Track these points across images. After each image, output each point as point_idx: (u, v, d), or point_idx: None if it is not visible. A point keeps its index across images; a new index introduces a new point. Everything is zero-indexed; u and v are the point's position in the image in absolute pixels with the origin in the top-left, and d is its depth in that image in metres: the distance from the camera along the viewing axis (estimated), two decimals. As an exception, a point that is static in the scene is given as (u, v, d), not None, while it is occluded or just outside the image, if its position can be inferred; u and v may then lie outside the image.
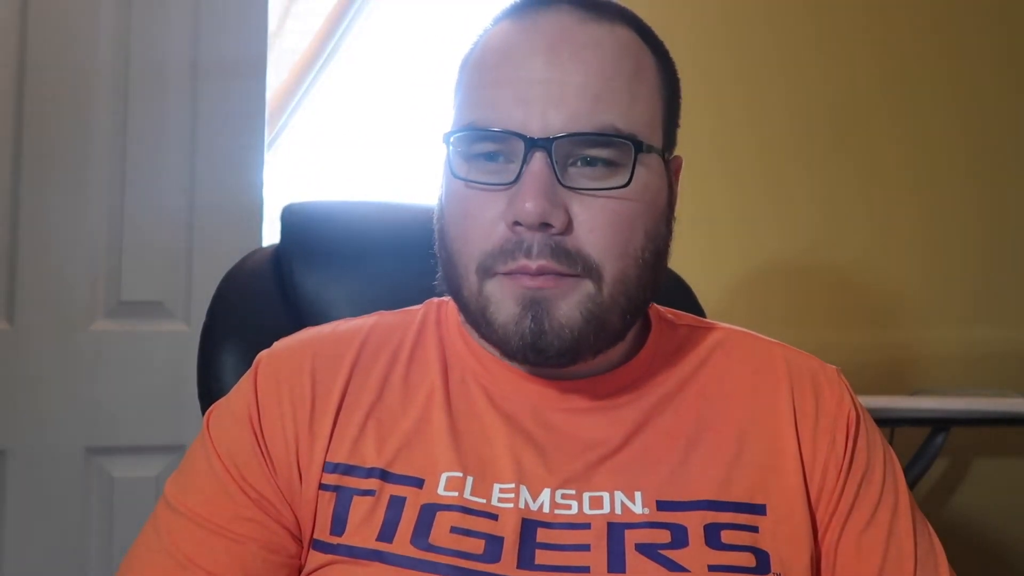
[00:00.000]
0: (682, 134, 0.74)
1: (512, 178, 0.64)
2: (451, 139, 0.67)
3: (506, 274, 0.64)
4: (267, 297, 0.98)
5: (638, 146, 0.65)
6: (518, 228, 0.63)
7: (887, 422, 1.61)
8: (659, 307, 0.80)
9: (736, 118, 1.85)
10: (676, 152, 0.74)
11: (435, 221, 0.72)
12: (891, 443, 1.44)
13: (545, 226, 0.63)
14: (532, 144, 0.63)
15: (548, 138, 0.63)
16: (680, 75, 0.73)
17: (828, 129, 1.90)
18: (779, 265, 1.87)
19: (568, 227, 0.63)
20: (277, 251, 1.02)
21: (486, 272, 0.65)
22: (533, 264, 0.63)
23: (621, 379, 0.72)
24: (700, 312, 1.04)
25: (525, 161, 0.63)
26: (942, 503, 1.94)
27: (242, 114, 1.52)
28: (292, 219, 1.03)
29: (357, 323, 0.77)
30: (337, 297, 0.98)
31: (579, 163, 0.65)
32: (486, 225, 0.65)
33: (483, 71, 0.68)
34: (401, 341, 0.74)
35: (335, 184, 2.16)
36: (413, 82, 2.09)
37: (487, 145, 0.66)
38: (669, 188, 0.71)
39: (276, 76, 2.06)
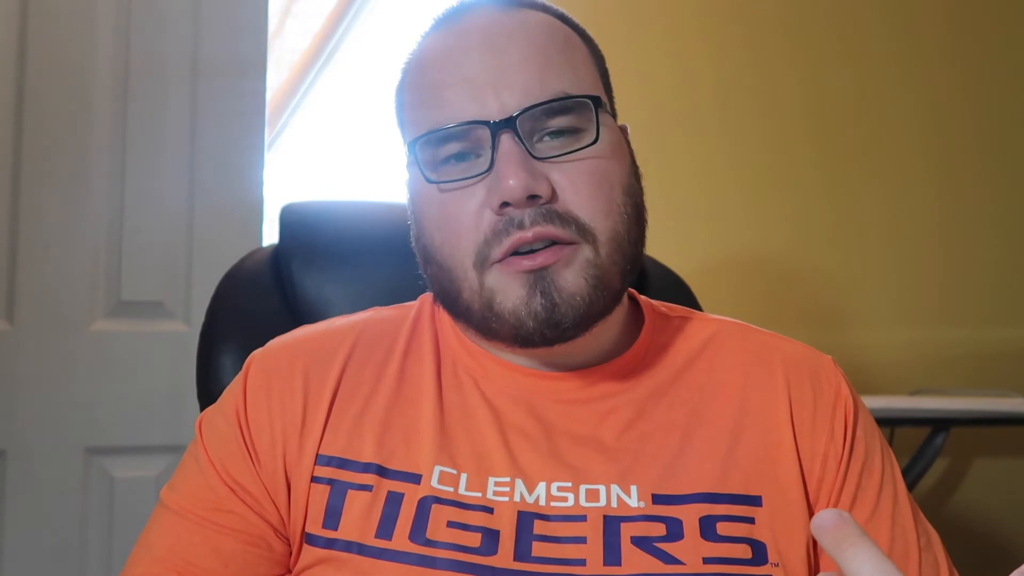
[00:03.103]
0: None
1: (486, 167, 0.65)
2: (417, 146, 0.68)
3: (502, 260, 0.65)
4: (266, 297, 0.98)
5: (596, 101, 0.67)
6: (506, 208, 0.64)
7: (887, 422, 1.61)
8: (652, 300, 0.80)
9: (744, 119, 1.85)
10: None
11: (414, 240, 0.72)
12: (891, 443, 1.44)
13: (532, 199, 0.64)
14: (497, 127, 0.64)
15: (510, 117, 0.64)
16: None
17: (842, 135, 1.90)
18: (789, 266, 1.87)
19: (553, 195, 0.65)
20: (276, 251, 1.02)
21: (483, 263, 0.65)
22: (529, 233, 0.63)
23: (614, 370, 0.72)
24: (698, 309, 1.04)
25: (494, 147, 0.64)
26: (942, 503, 1.94)
27: (242, 114, 1.52)
28: (290, 219, 1.03)
29: (352, 319, 0.77)
30: (336, 297, 0.98)
31: (546, 136, 0.66)
32: (471, 218, 0.66)
33: (427, 78, 0.70)
34: (396, 336, 0.75)
35: (335, 184, 2.16)
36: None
37: (453, 146, 0.67)
38: (628, 147, 0.73)
39: (276, 76, 2.06)
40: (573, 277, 0.65)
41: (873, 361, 1.88)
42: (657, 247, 1.11)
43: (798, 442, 0.70)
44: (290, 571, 0.69)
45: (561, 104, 0.65)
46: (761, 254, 1.86)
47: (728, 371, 0.74)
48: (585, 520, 0.64)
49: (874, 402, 1.56)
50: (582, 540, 0.63)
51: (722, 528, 0.65)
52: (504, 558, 0.62)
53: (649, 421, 0.70)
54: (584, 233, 0.65)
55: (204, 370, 0.94)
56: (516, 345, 0.68)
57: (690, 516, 0.65)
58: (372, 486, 0.66)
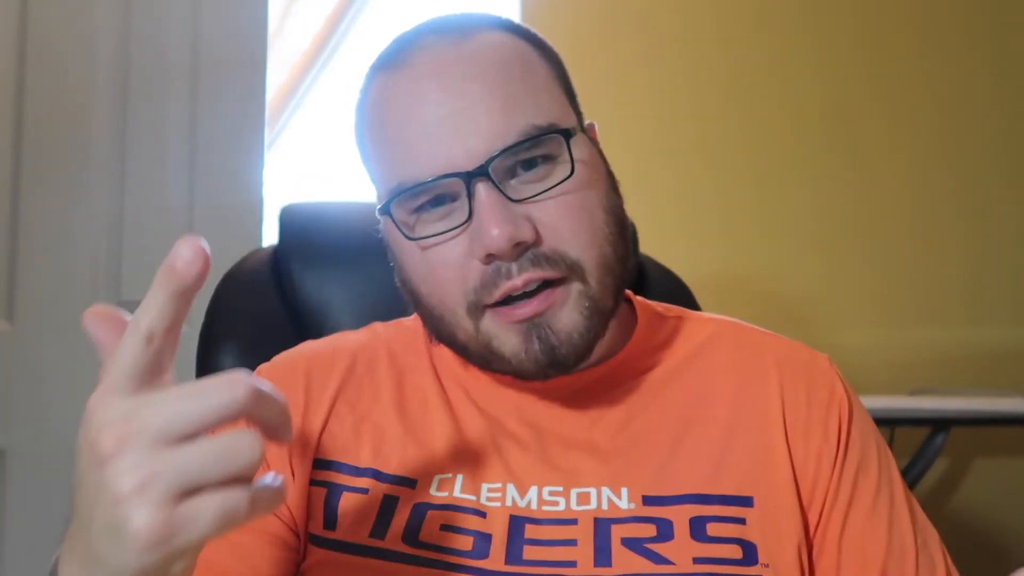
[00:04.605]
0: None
1: (465, 216, 0.64)
2: (390, 208, 0.66)
3: (495, 305, 0.64)
4: (265, 297, 0.99)
5: (566, 134, 0.65)
6: (491, 259, 0.63)
7: (887, 422, 1.61)
8: (648, 301, 0.79)
9: (761, 125, 1.85)
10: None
11: (399, 282, 0.71)
12: (891, 443, 1.44)
13: (517, 246, 0.63)
14: (469, 177, 0.63)
15: (482, 165, 0.62)
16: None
17: (821, 135, 1.90)
18: (795, 265, 1.88)
19: (537, 236, 0.63)
20: (275, 251, 1.02)
21: (476, 308, 0.65)
22: (519, 280, 0.63)
23: (606, 373, 0.72)
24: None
25: (471, 196, 0.63)
26: (942, 503, 1.94)
27: (242, 114, 1.52)
28: (290, 219, 1.03)
29: (353, 335, 0.79)
30: (335, 297, 0.98)
31: (520, 169, 0.64)
32: (458, 268, 0.65)
33: (384, 130, 0.67)
34: (395, 350, 0.76)
35: (335, 184, 2.16)
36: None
37: (426, 196, 0.65)
38: (600, 155, 0.71)
39: (276, 76, 2.07)
40: (568, 316, 0.64)
41: (874, 361, 1.87)
42: (670, 254, 1.10)
43: (790, 443, 0.70)
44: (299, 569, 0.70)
45: (532, 142, 0.64)
46: (773, 255, 1.86)
47: (721, 372, 0.74)
48: (576, 523, 0.65)
49: (874, 402, 1.55)
50: (573, 543, 0.64)
51: (712, 529, 0.65)
52: (496, 561, 0.63)
53: (641, 422, 0.70)
54: (573, 268, 0.64)
55: (203, 370, 0.94)
56: (517, 379, 0.68)
57: (680, 517, 0.65)
58: (368, 489, 0.67)
